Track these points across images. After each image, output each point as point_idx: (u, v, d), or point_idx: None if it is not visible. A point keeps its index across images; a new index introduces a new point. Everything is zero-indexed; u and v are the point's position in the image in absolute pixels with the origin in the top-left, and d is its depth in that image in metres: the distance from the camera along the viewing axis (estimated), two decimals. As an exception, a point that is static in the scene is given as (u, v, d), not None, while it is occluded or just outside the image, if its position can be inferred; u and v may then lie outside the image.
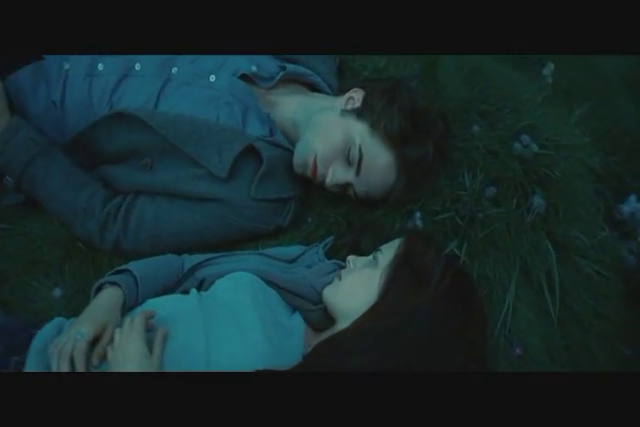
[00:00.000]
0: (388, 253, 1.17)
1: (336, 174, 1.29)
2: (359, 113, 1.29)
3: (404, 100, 1.28)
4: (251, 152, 1.31)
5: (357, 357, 1.01)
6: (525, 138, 1.40)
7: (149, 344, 1.02)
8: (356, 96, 1.33)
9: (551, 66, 1.78)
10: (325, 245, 1.34)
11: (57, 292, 1.33)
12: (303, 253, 1.32)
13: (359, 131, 1.27)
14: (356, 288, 1.15)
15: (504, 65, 1.60)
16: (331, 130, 1.29)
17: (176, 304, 1.14)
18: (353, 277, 1.17)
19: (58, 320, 1.17)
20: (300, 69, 1.46)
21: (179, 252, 1.32)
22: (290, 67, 1.43)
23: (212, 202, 1.31)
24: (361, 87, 1.34)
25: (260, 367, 0.99)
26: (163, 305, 1.14)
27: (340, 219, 1.39)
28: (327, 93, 1.47)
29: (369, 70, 1.55)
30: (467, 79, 1.48)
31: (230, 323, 1.08)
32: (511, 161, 1.37)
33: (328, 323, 1.19)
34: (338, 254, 1.30)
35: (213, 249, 1.33)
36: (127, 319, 1.05)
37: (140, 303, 1.16)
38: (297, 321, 1.18)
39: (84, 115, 1.35)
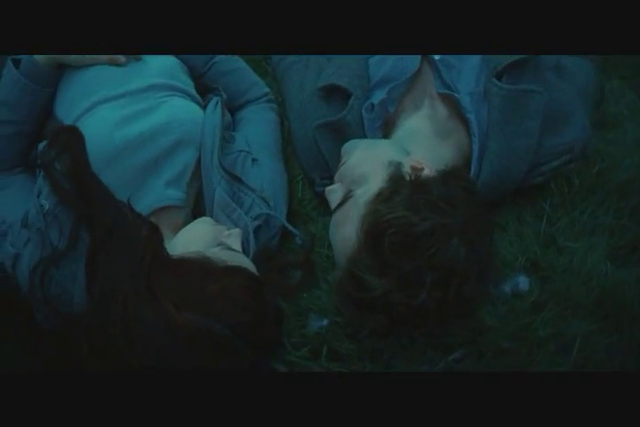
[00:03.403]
0: (229, 254, 1.00)
1: (332, 192, 1.09)
2: (393, 179, 1.01)
3: (435, 223, 0.92)
4: (347, 106, 1.16)
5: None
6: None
7: None
8: (426, 171, 1.02)
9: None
10: (273, 220, 1.17)
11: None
12: (259, 188, 1.18)
13: (373, 186, 1.01)
14: (196, 236, 1.05)
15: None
16: (373, 158, 1.06)
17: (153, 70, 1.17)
18: (211, 231, 1.06)
19: None
20: (472, 121, 1.13)
21: None
22: (469, 112, 1.13)
23: (295, 90, 1.30)
24: (440, 174, 1.02)
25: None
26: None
27: (317, 246, 1.20)
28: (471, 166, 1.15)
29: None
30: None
31: (139, 108, 1.11)
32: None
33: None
34: (264, 258, 1.13)
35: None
36: None
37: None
38: (173, 195, 1.10)
39: None
